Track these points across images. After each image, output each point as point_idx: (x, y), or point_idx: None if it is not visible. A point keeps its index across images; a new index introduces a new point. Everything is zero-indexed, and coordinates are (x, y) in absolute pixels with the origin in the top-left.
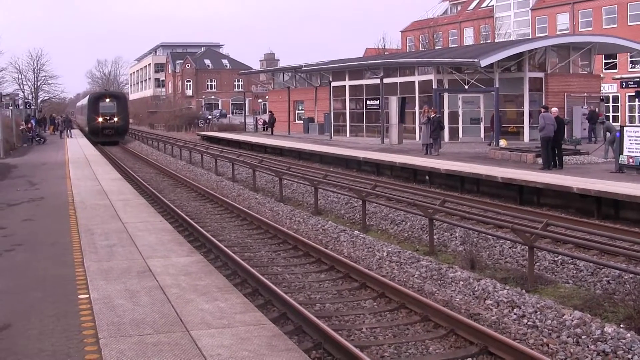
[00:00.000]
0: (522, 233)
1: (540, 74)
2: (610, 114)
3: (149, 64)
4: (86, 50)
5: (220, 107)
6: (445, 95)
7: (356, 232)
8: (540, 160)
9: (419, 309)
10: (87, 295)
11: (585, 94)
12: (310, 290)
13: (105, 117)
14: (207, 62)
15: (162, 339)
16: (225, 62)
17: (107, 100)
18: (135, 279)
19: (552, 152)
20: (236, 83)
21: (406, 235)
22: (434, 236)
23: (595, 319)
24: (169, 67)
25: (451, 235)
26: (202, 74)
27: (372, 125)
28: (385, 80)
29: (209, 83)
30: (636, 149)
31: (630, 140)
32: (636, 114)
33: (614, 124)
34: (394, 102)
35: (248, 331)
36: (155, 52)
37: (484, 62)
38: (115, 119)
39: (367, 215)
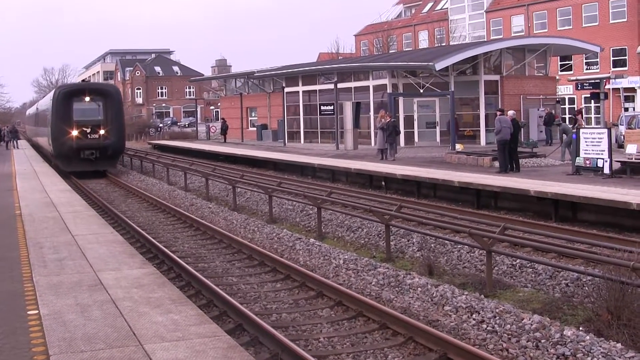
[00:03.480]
0: (480, 237)
1: (496, 77)
2: (567, 116)
3: (98, 72)
4: (32, 57)
5: (171, 115)
6: (401, 99)
7: (312, 240)
8: (497, 164)
9: (377, 317)
10: (37, 311)
11: (541, 96)
12: (266, 300)
13: (83, 127)
14: (158, 69)
15: (115, 353)
16: (176, 68)
17: (87, 99)
18: (87, 292)
19: (509, 155)
20: (187, 90)
21: (363, 242)
22: (391, 242)
23: (554, 323)
24: (118, 74)
25: (408, 241)
26: (152, 81)
27: (327, 131)
28: (339, 85)
29: (159, 90)
30: (592, 150)
31: (586, 142)
32: (592, 116)
33: (570, 126)
34: (348, 107)
35: (203, 343)
36: (104, 59)
37: (439, 66)
38: (102, 131)
39: (322, 222)
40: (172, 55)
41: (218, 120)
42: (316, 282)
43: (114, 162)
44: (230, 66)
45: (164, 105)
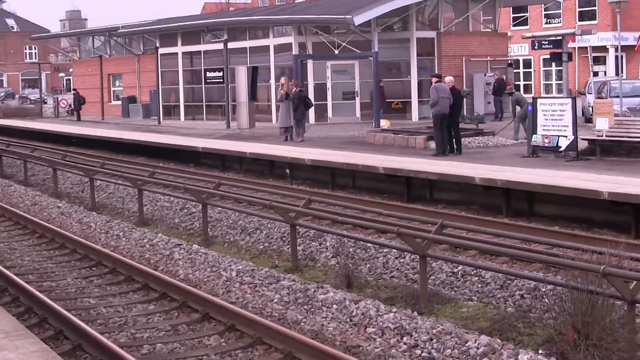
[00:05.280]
0: (411, 238)
1: (432, 34)
2: (521, 83)
3: None
4: None
5: (5, 85)
6: (310, 62)
7: (195, 246)
8: (433, 145)
9: (281, 344)
10: None
11: (489, 58)
12: (135, 327)
13: None
14: None
15: None
16: (10, 22)
17: None
18: None
19: (448, 133)
20: (28, 52)
21: (262, 247)
22: (299, 247)
23: (507, 345)
24: None
25: (321, 245)
26: None
27: (215, 105)
28: (231, 45)
29: None
30: (553, 126)
31: (545, 115)
32: (553, 82)
33: (525, 96)
34: (242, 74)
35: None
36: None
37: (359, 19)
38: None
39: (209, 223)
40: (5, 5)
41: (70, 91)
42: (201, 301)
43: None
44: (86, 20)
45: None
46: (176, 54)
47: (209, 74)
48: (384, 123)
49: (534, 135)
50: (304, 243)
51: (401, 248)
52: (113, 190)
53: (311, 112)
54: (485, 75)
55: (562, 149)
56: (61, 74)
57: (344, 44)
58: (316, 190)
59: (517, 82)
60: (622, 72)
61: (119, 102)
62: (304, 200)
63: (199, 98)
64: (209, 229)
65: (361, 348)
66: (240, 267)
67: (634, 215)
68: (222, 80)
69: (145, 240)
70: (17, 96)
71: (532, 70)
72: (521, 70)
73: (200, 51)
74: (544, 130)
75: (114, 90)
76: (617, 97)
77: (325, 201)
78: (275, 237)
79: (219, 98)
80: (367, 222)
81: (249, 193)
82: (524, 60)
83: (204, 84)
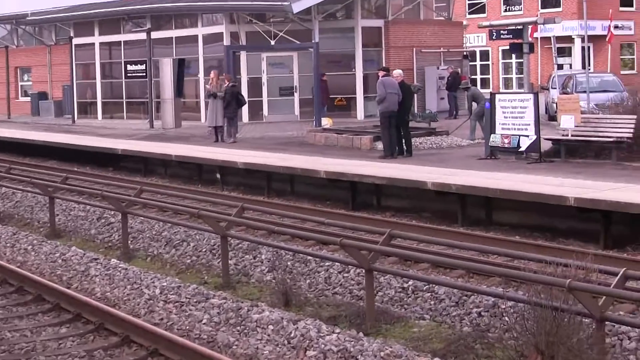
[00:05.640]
0: (356, 250)
1: (379, 22)
2: (478, 77)
3: None
4: None
5: None
6: (243, 54)
7: (114, 260)
8: (380, 146)
9: None
10: None
11: (442, 49)
12: (45, 353)
13: None
14: None
15: None
16: None
17: None
18: None
19: (397, 132)
20: None
21: (189, 261)
22: (231, 261)
23: None
24: None
25: (255, 258)
26: None
27: (137, 102)
28: (154, 35)
29: None
30: (513, 125)
31: (504, 112)
32: (513, 76)
33: (482, 91)
34: (167, 67)
35: None
36: None
37: (298, 6)
38: None
39: (130, 235)
40: None
41: None
42: (120, 322)
43: None
44: None
45: None
46: (93, 44)
47: (129, 67)
48: (326, 122)
49: (492, 135)
50: (236, 256)
51: (345, 261)
52: (20, 198)
53: (244, 109)
54: (438, 68)
55: (523, 149)
56: None
57: (281, 33)
58: (250, 197)
59: (473, 76)
60: (589, 65)
61: (28, 99)
62: (236, 209)
63: (118, 94)
64: (129, 242)
65: None
66: (164, 284)
67: (602, 223)
68: (144, 74)
69: (57, 255)
70: None
71: (489, 62)
72: (478, 62)
73: (120, 41)
74: (503, 129)
75: (22, 86)
76: (584, 92)
77: (260, 209)
78: (204, 249)
79: (141, 94)
80: (307, 232)
81: (175, 200)
82: (481, 51)
83: (124, 78)
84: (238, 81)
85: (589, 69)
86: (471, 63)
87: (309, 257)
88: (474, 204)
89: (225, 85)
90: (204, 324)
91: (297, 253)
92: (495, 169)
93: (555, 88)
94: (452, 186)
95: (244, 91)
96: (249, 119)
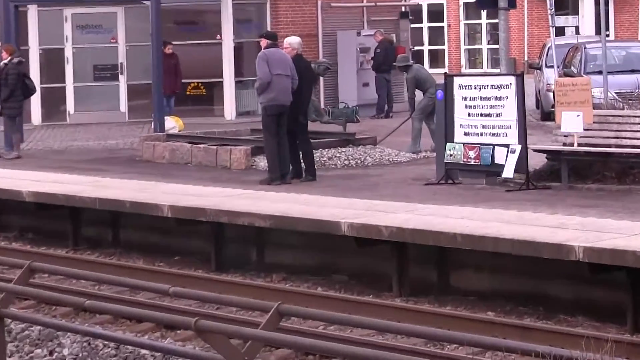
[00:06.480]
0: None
1: None
2: (425, 48)
3: None
4: None
5: None
6: (33, 10)
7: None
8: (263, 162)
9: None
10: None
11: (366, 3)
12: None
13: None
14: None
15: None
16: None
17: None
18: None
19: (292, 141)
20: None
21: None
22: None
23: None
24: None
25: (52, 354)
26: None
27: None
28: None
29: None
30: (483, 127)
31: (469, 107)
32: (483, 47)
33: (432, 72)
34: None
35: None
36: None
37: None
38: None
39: None
40: None
41: None
42: None
43: None
44: None
45: None
46: None
47: None
48: (173, 124)
49: (448, 145)
50: (20, 351)
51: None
52: None
53: (34, 103)
54: (359, 34)
55: (502, 172)
56: None
57: None
58: (45, 250)
59: (417, 47)
60: (607, 29)
61: None
62: (20, 270)
63: None
64: None
65: None
66: None
67: (629, 288)
68: None
69: None
70: None
71: (445, 25)
72: (425, 24)
73: None
74: (467, 135)
75: None
76: (599, 73)
77: (60, 271)
78: None
79: None
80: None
81: None
82: (431, 7)
83: None
84: (24, 55)
85: (607, 35)
86: (414, 25)
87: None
88: (420, 258)
89: (3, 61)
90: None
91: (123, 344)
92: (453, 200)
93: (551, 66)
94: (382, 230)
95: (34, 72)
96: (42, 119)
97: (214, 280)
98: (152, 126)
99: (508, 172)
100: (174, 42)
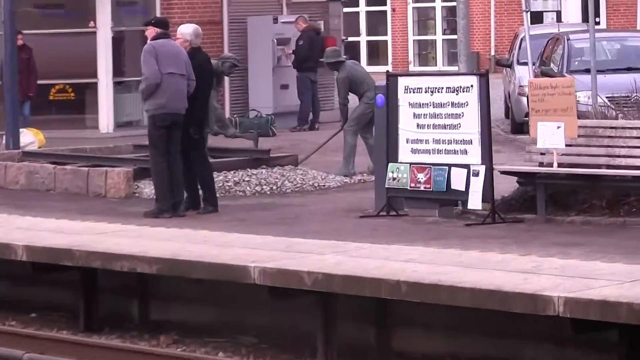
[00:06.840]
0: None
1: None
2: (362, 39)
3: None
4: None
5: None
6: None
7: None
8: (148, 189)
9: None
10: None
11: None
12: None
13: None
14: None
15: None
16: None
17: None
18: None
19: (185, 162)
20: None
21: None
22: None
23: None
24: None
25: None
26: None
27: None
28: None
29: None
30: (436, 142)
31: (418, 116)
32: (438, 38)
33: (370, 70)
34: None
35: None
36: None
37: None
38: None
39: None
40: None
41: None
42: None
43: None
44: None
45: None
46: None
47: None
48: (32, 138)
49: (390, 166)
50: None
51: None
52: None
53: None
54: (276, 21)
55: (465, 201)
56: None
57: None
58: None
59: (351, 38)
60: (596, 15)
61: None
62: None
63: None
64: None
65: None
66: None
67: (622, 349)
68: None
69: None
70: None
71: (387, 9)
72: (362, 9)
73: None
74: (415, 152)
75: None
76: (587, 72)
77: None
78: None
79: None
80: None
81: None
82: None
83: None
84: None
85: (597, 23)
86: (348, 9)
87: None
88: (354, 313)
89: None
90: None
91: None
92: (396, 238)
93: (525, 63)
94: (304, 277)
95: None
96: None
97: (82, 344)
98: (4, 141)
99: (474, 203)
100: (32, 32)
